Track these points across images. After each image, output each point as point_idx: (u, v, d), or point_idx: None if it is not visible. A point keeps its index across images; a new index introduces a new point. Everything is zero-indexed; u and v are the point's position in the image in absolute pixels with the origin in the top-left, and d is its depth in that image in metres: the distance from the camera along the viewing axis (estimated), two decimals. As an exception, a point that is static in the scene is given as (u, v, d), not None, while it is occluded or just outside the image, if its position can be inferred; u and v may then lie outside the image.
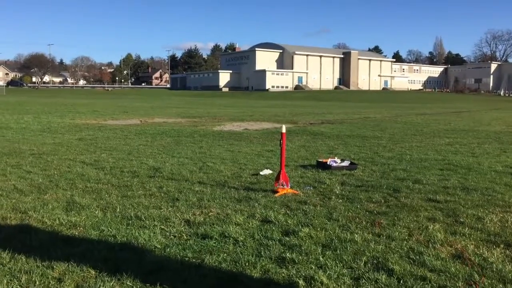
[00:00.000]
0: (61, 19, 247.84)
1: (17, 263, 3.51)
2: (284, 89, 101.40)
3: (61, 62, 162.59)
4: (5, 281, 3.20)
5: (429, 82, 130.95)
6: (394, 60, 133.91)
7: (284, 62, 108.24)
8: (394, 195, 5.96)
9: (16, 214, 4.85)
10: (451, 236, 4.34)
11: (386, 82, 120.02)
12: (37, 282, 3.20)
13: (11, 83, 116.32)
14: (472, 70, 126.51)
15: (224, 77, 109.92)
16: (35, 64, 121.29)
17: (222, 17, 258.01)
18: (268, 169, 7.56)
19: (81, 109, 28.00)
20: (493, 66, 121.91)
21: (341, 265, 3.57)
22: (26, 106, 31.16)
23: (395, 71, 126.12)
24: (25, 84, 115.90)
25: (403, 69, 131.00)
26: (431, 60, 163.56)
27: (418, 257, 3.76)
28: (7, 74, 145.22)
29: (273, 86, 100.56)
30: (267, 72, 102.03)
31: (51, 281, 3.23)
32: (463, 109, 36.51)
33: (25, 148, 10.05)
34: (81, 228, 4.40)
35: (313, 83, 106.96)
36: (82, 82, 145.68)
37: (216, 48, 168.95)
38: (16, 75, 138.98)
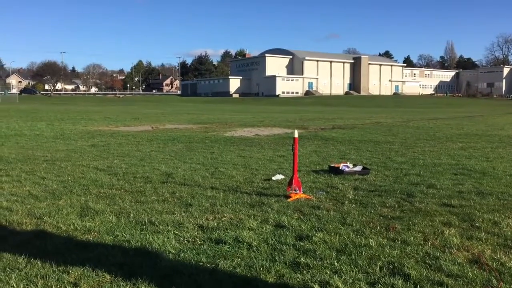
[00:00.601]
0: (73, 27, 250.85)
1: (33, 268, 3.53)
2: (295, 94, 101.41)
3: (73, 70, 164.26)
4: (21, 286, 3.23)
5: (440, 86, 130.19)
6: (405, 64, 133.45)
7: (294, 68, 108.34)
8: (408, 200, 5.91)
9: (32, 219, 4.89)
10: (467, 241, 4.29)
11: (397, 87, 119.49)
12: (53, 287, 3.22)
13: (24, 91, 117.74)
14: (484, 74, 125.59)
15: (234, 83, 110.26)
16: (47, 72, 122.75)
17: (232, 23, 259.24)
18: (280, 174, 7.55)
19: (93, 116, 28.24)
20: (506, 70, 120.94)
21: (356, 270, 3.55)
22: (39, 113, 31.50)
23: (406, 76, 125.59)
24: (37, 92, 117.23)
25: (414, 74, 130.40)
26: (442, 65, 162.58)
27: (434, 262, 3.72)
28: (20, 82, 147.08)
29: (283, 92, 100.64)
30: (277, 78, 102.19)
31: (67, 286, 3.25)
32: (475, 114, 36.20)
33: (39, 154, 10.15)
34: (95, 233, 4.43)
35: (323, 89, 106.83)
36: (94, 90, 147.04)
37: (226, 55, 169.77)
38: (29, 83, 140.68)
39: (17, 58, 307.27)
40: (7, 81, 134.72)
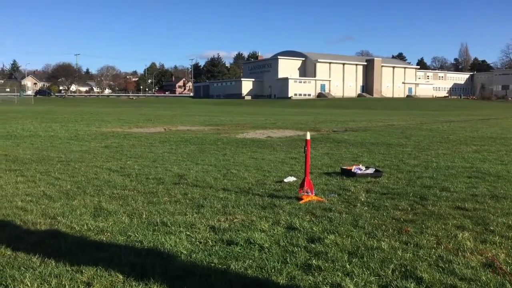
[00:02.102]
0: (87, 30, 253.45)
1: (47, 267, 3.57)
2: (307, 97, 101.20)
3: (87, 72, 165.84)
4: (35, 285, 3.27)
5: (454, 89, 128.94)
6: (419, 67, 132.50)
7: (307, 70, 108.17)
8: (421, 203, 5.87)
9: (46, 219, 4.95)
10: (481, 244, 4.24)
11: (410, 89, 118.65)
12: (67, 286, 3.25)
13: (39, 92, 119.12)
14: (499, 76, 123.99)
15: (247, 85, 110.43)
16: (62, 74, 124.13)
17: (245, 25, 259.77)
18: (292, 176, 7.54)
19: (106, 117, 28.48)
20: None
21: (368, 272, 3.53)
22: (53, 114, 31.86)
23: (419, 78, 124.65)
24: (52, 94, 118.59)
25: (428, 76, 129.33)
26: (456, 67, 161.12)
27: (447, 265, 3.68)
28: (35, 83, 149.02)
29: (295, 94, 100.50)
30: (289, 80, 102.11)
31: (80, 285, 3.28)
32: (490, 117, 35.78)
33: (53, 155, 10.26)
34: (108, 234, 4.47)
35: (335, 91, 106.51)
36: (107, 91, 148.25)
37: (239, 57, 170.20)
38: (44, 85, 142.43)
39: (32, 60, 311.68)
40: (23, 83, 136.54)
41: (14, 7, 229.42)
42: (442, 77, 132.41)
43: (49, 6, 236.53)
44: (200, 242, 4.24)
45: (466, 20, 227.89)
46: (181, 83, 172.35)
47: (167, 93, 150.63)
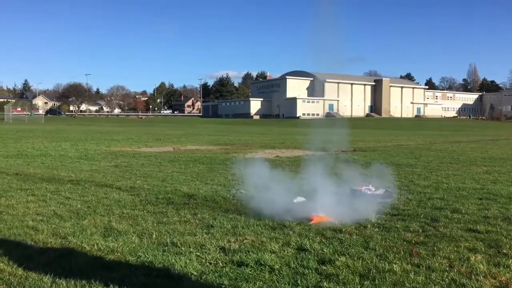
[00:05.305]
0: (98, 50, 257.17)
1: (58, 287, 3.58)
2: (315, 116, 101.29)
3: (98, 91, 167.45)
4: (46, 305, 3.27)
5: (463, 109, 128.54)
6: (427, 87, 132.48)
7: (315, 90, 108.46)
8: (432, 225, 5.81)
9: (56, 239, 4.97)
10: (494, 267, 4.19)
11: (419, 109, 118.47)
12: (78, 307, 3.25)
13: (49, 111, 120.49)
14: (508, 97, 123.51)
15: (255, 105, 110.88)
16: (73, 93, 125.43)
17: (254, 45, 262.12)
18: (301, 197, 7.51)
19: (116, 136, 28.68)
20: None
21: (380, 296, 3.49)
22: (63, 133, 32.14)
23: (428, 98, 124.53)
24: (62, 113, 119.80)
25: (437, 96, 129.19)
26: (465, 87, 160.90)
27: (460, 289, 3.64)
28: (46, 103, 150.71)
29: (304, 114, 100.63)
30: (298, 100, 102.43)
31: (90, 306, 3.27)
32: (500, 137, 35.53)
33: (63, 174, 10.33)
34: (118, 254, 4.47)
35: (344, 111, 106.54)
36: (117, 111, 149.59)
37: (247, 76, 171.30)
38: (54, 104, 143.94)
39: (44, 80, 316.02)
40: (34, 102, 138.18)
41: (27, 28, 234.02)
42: (451, 97, 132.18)
43: (60, 27, 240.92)
44: (210, 263, 4.23)
45: (474, 40, 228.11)
46: (190, 102, 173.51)
47: (176, 112, 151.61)
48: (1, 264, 4.13)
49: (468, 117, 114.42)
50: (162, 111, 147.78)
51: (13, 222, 5.69)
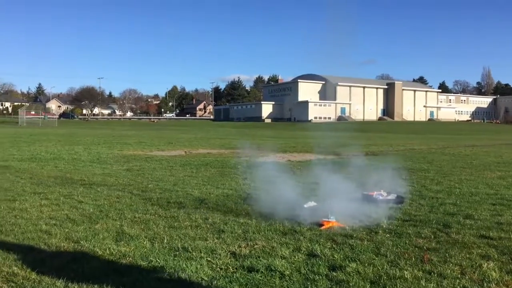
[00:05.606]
0: (110, 53, 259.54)
1: (71, 291, 3.63)
2: (327, 120, 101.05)
3: (110, 95, 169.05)
4: (59, 309, 3.31)
5: (477, 113, 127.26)
6: (440, 90, 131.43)
7: (327, 93, 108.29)
8: (444, 231, 5.77)
9: (69, 243, 5.03)
10: (507, 275, 4.15)
11: (432, 112, 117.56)
12: (90, 311, 3.29)
13: (62, 115, 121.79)
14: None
15: (267, 108, 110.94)
16: (86, 97, 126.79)
17: (265, 49, 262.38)
18: (312, 201, 7.50)
19: (128, 140, 28.88)
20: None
21: (391, 303, 3.48)
22: (76, 137, 32.46)
23: (441, 101, 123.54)
24: (75, 116, 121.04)
25: (450, 100, 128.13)
26: (479, 91, 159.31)
27: (472, 297, 3.61)
28: (59, 106, 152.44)
29: (315, 117, 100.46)
30: (309, 103, 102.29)
31: (102, 311, 3.31)
32: (514, 141, 35.10)
33: (76, 178, 10.44)
34: (130, 258, 4.51)
35: (356, 114, 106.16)
36: (129, 114, 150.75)
37: (259, 80, 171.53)
38: (68, 108, 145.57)
39: (57, 84, 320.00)
40: (47, 106, 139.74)
41: (41, 32, 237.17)
42: (464, 100, 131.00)
43: (73, 32, 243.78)
44: (221, 269, 4.24)
45: (488, 43, 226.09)
46: (201, 106, 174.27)
47: (187, 115, 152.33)
48: (15, 268, 4.19)
49: (482, 121, 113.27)
50: (165, 115, 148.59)
51: (27, 226, 5.77)
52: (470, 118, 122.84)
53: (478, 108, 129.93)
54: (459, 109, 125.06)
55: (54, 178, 10.34)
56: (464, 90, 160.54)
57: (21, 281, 3.90)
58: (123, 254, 4.64)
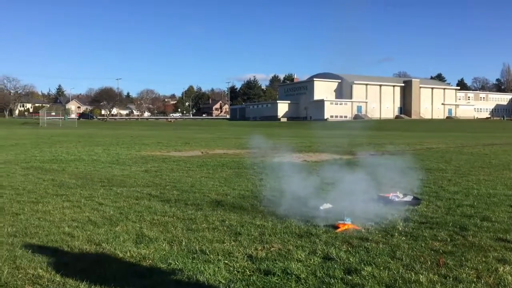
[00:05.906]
0: (128, 55, 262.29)
1: (94, 294, 3.76)
2: (343, 118, 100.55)
3: (128, 95, 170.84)
4: (83, 311, 3.44)
5: (497, 110, 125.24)
6: (459, 87, 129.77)
7: (343, 92, 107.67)
8: (460, 234, 5.77)
9: (91, 246, 5.18)
10: (523, 279, 4.15)
11: (450, 110, 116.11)
12: (112, 313, 3.41)
13: (82, 115, 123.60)
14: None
15: (283, 107, 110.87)
16: (104, 97, 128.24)
17: (281, 48, 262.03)
18: (328, 203, 7.55)
19: (146, 140, 29.20)
20: None
21: (406, 307, 3.53)
22: (96, 138, 32.93)
23: (459, 99, 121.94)
24: (94, 117, 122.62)
25: (469, 97, 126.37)
26: (498, 88, 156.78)
27: (487, 301, 3.63)
28: (79, 107, 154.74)
29: (331, 116, 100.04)
30: (325, 102, 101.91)
31: (124, 313, 3.43)
32: (535, 139, 34.50)
33: (96, 180, 10.65)
34: (150, 261, 4.63)
35: (372, 113, 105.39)
36: (146, 114, 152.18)
37: (274, 79, 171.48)
38: (87, 108, 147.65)
39: (77, 85, 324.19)
40: (67, 107, 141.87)
41: (61, 34, 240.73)
42: (483, 98, 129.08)
43: (92, 33, 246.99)
44: (238, 272, 4.34)
45: (507, 39, 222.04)
46: (217, 105, 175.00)
47: (204, 115, 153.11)
48: (40, 270, 4.35)
49: (502, 118, 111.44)
50: (171, 115, 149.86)
51: (51, 229, 5.94)
52: (489, 116, 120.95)
53: (497, 105, 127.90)
54: (478, 106, 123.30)
55: (75, 180, 10.57)
56: (483, 87, 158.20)
57: (46, 283, 4.05)
58: (143, 256, 4.77)
